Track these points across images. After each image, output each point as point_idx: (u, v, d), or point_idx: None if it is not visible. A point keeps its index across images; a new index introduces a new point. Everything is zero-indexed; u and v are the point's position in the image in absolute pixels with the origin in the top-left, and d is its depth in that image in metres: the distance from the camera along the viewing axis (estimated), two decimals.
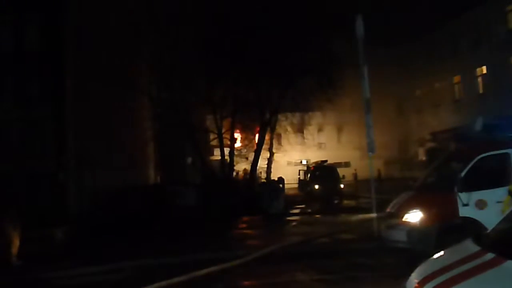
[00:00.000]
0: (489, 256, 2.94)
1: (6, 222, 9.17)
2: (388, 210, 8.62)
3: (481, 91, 26.53)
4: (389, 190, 15.71)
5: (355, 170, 30.71)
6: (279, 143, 26.11)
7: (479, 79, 26.78)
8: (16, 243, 9.28)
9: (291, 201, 20.91)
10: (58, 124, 12.89)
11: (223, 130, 20.39)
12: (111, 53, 15.31)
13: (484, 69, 26.15)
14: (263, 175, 24.70)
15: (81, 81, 13.74)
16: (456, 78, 29.30)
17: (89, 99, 14.06)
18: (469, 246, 3.34)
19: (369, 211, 10.97)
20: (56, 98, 13.12)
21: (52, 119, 13.34)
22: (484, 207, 7.17)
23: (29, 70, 13.10)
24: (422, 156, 31.06)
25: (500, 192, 7.16)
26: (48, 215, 11.09)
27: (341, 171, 24.28)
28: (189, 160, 21.36)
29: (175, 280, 7.47)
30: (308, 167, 26.84)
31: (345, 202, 21.34)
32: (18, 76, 13.32)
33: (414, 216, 7.66)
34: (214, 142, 21.57)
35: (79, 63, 13.93)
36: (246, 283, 7.95)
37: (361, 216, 14.30)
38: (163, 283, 7.30)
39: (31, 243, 9.82)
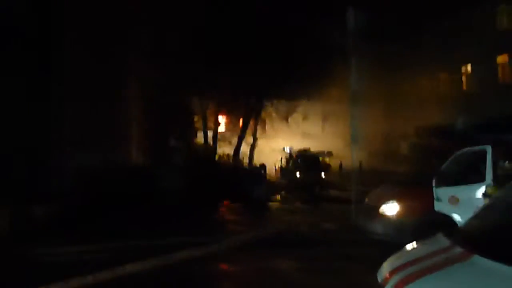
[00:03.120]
0: (458, 250, 3.10)
1: None
2: (366, 201, 8.88)
3: (466, 89, 27.02)
4: (370, 181, 16.03)
5: (340, 161, 31.01)
6: (264, 130, 26.22)
7: (464, 78, 27.26)
8: None
9: (273, 188, 21.04)
10: (40, 100, 12.73)
11: (208, 113, 20.37)
12: (98, 31, 15.09)
13: (469, 67, 26.61)
14: (246, 161, 24.80)
15: (65, 56, 13.54)
16: (443, 75, 29.74)
17: (73, 75, 13.86)
18: (440, 240, 3.52)
19: (349, 201, 11.20)
20: (40, 72, 12.92)
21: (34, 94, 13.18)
22: (456, 203, 7.42)
23: (15, 43, 12.87)
24: (404, 150, 31.53)
25: (473, 189, 7.38)
26: (28, 192, 11.00)
27: (323, 160, 24.61)
28: (173, 142, 21.29)
29: (154, 262, 7.58)
30: (291, 154, 27.07)
31: (327, 191, 21.60)
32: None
33: (391, 208, 7.89)
34: (198, 125, 21.55)
35: (64, 37, 13.70)
36: (225, 268, 8.10)
37: (342, 206, 14.53)
38: (141, 264, 7.40)
39: (9, 220, 9.77)
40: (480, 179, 7.38)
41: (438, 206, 7.54)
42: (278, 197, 19.68)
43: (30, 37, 12.37)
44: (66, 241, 8.97)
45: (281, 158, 29.21)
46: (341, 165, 30.23)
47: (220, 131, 23.32)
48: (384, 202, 8.09)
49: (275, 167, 29.99)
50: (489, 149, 7.46)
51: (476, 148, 7.69)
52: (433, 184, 7.63)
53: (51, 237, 9.37)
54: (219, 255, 8.53)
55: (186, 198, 15.14)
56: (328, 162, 25.17)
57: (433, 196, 7.60)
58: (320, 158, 25.88)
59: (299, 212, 15.65)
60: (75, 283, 6.46)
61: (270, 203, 17.41)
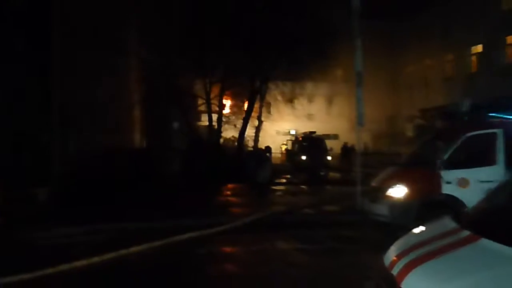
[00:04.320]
0: (465, 233, 3.06)
1: None
2: (372, 184, 8.81)
3: (473, 70, 26.64)
4: (376, 164, 15.97)
5: (348, 143, 30.99)
6: (268, 112, 26.10)
7: (473, 58, 26.84)
8: None
9: (278, 170, 21.07)
10: (42, 84, 12.63)
11: (212, 96, 20.25)
12: (99, 11, 14.90)
13: (479, 48, 26.17)
14: (251, 144, 24.77)
15: (67, 39, 13.39)
16: (449, 56, 29.32)
17: (75, 59, 13.73)
18: (447, 223, 3.46)
19: (354, 184, 11.16)
20: (41, 56, 12.80)
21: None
22: (466, 185, 7.36)
23: (14, 25, 12.71)
24: (410, 132, 31.40)
25: (484, 172, 7.33)
26: (30, 176, 11.00)
27: (329, 143, 24.55)
28: (176, 125, 21.23)
29: (156, 243, 7.61)
30: (296, 137, 27.03)
31: (332, 174, 21.60)
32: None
33: (397, 191, 7.85)
34: (202, 108, 21.45)
35: (65, 20, 13.53)
36: (227, 249, 8.12)
37: (346, 189, 14.49)
38: (144, 246, 7.43)
39: (11, 203, 9.80)
40: (491, 162, 7.33)
41: (446, 189, 7.49)
42: (283, 179, 19.64)
43: (25, 15, 12.17)
44: (68, 223, 8.99)
45: (286, 141, 29.18)
46: (350, 148, 30.23)
47: (225, 112, 23.20)
48: (390, 185, 8.06)
49: (281, 149, 30.01)
50: (500, 132, 7.42)
51: (487, 130, 7.62)
52: (441, 167, 7.54)
53: (53, 220, 9.41)
54: (220, 237, 8.53)
55: (189, 181, 15.16)
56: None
57: (439, 179, 7.52)
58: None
59: (303, 194, 15.69)
60: (80, 264, 6.51)
61: (275, 186, 17.41)
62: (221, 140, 22.27)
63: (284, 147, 29.91)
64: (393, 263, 3.03)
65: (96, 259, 6.70)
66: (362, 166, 11.77)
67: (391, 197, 7.90)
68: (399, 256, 3.07)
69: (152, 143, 20.87)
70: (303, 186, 17.91)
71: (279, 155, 28.79)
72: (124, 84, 19.51)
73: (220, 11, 17.95)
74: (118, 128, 17.49)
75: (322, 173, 21.43)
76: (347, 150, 24.27)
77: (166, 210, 10.60)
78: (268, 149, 19.73)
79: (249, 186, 16.49)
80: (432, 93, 29.19)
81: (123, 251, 7.11)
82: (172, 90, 18.84)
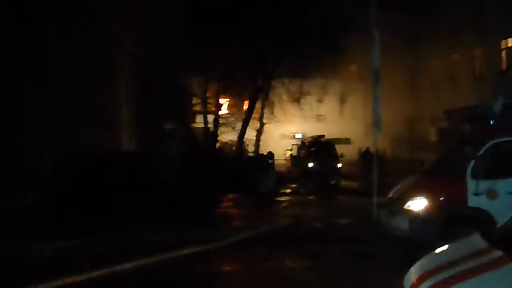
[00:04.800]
0: (497, 253, 3.03)
1: None
2: (390, 195, 8.77)
3: (504, 67, 26.61)
4: (394, 172, 15.95)
5: (364, 148, 30.95)
6: (272, 113, 26.11)
7: (503, 53, 26.80)
8: None
9: (282, 179, 21.11)
10: (12, 81, 12.62)
11: (208, 95, 20.29)
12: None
13: (510, 41, 26.15)
14: (251, 148, 24.77)
15: (43, 29, 13.41)
16: (477, 51, 29.29)
17: (54, 51, 13.77)
18: (476, 241, 3.44)
19: (369, 194, 11.14)
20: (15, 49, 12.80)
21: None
22: (495, 197, 7.30)
23: None
24: (433, 137, 31.34)
25: None
26: (2, 183, 10.99)
27: (340, 148, 24.49)
28: (168, 126, 21.28)
29: (155, 258, 7.67)
30: (303, 141, 26.96)
31: (344, 183, 21.58)
32: None
33: (418, 203, 7.79)
34: (197, 108, 21.49)
35: (41, 7, 13.55)
36: (229, 267, 8.10)
37: (360, 200, 14.48)
38: (142, 261, 7.46)
39: None
40: None
41: (473, 201, 7.43)
42: (288, 189, 19.68)
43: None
44: (50, 236, 9.02)
45: (292, 146, 29.13)
46: (364, 153, 30.08)
47: (223, 113, 23.24)
48: (410, 196, 8.00)
49: (285, 155, 29.97)
50: None
51: None
52: (468, 176, 7.50)
53: (31, 232, 9.41)
54: (221, 253, 8.53)
55: (184, 189, 15.15)
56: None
57: (465, 190, 7.48)
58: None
59: (311, 205, 15.67)
60: (67, 280, 6.57)
61: (279, 196, 17.39)
62: (218, 144, 22.28)
63: (289, 153, 29.85)
64: (414, 286, 3.01)
65: (85, 276, 6.73)
66: (380, 174, 11.71)
67: (411, 210, 7.84)
68: (422, 278, 3.05)
69: (143, 146, 20.92)
70: (310, 197, 17.87)
71: (284, 162, 28.72)
72: (112, 81, 19.59)
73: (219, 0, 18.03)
74: (104, 129, 17.53)
75: (332, 182, 21.38)
76: (367, 156, 24.11)
77: (159, 222, 10.59)
78: (271, 154, 19.78)
79: (251, 196, 16.52)
80: (458, 92, 29.12)
81: (116, 267, 7.16)
82: (165, 87, 18.87)
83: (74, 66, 14.53)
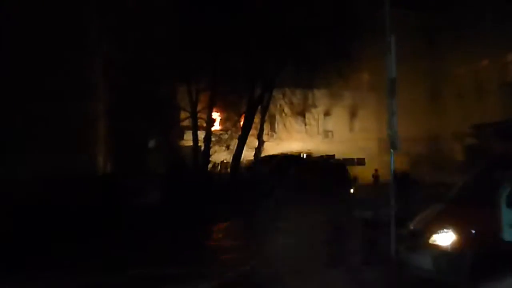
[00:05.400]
0: None
1: None
2: (411, 227, 8.73)
3: None
4: (415, 198, 15.84)
5: (376, 170, 30.88)
6: (272, 129, 26.06)
7: None
8: None
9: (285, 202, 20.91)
10: None
11: (199, 108, 20.26)
12: None
13: None
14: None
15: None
16: (510, 56, 29.42)
17: (17, 59, 13.73)
18: None
19: (386, 225, 11.03)
20: None
21: None
22: None
23: None
24: (459, 156, 31.32)
25: None
26: None
27: (352, 170, 24.39)
28: (152, 144, 21.21)
29: None
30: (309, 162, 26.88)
31: (357, 212, 21.41)
32: None
33: (445, 238, 7.73)
34: (186, 123, 21.45)
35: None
36: None
37: (375, 232, 14.26)
38: None
39: None
40: None
41: (509, 235, 7.33)
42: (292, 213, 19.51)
43: None
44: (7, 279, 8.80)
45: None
46: (377, 176, 29.98)
47: (216, 129, 23.21)
48: (435, 228, 7.95)
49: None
50: None
51: None
52: (503, 205, 7.41)
53: None
54: None
55: (169, 217, 15.08)
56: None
57: (500, 221, 7.39)
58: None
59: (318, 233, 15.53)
60: None
61: (281, 223, 17.27)
62: (210, 165, 22.20)
63: None
64: None
65: None
66: (398, 201, 11.62)
67: (437, 245, 7.79)
68: None
69: (120, 168, 20.82)
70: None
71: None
72: (84, 92, 19.54)
73: None
74: (75, 148, 17.46)
75: (343, 209, 21.26)
76: (404, 181, 23.87)
77: (138, 256, 10.57)
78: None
79: (248, 224, 16.38)
80: (487, 104, 29.17)
81: None
82: (146, 98, 18.84)
83: (40, 76, 14.48)
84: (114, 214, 14.51)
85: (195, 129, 20.43)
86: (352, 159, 29.06)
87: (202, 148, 20.81)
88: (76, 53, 18.04)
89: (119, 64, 19.04)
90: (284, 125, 24.87)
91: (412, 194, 11.48)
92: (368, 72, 32.51)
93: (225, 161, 24.32)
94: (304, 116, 25.10)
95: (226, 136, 23.00)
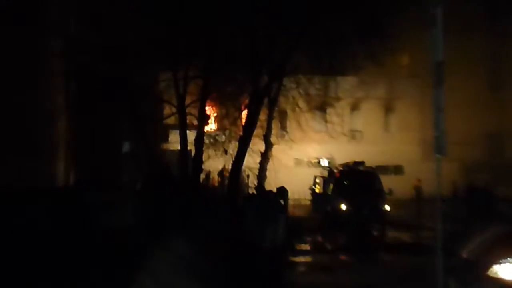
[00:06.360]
0: None
1: None
2: (464, 254, 8.88)
3: None
4: (466, 217, 15.74)
5: (419, 180, 30.78)
6: (283, 128, 25.99)
7: None
8: None
9: (299, 228, 21.10)
10: None
11: (188, 101, 20.19)
12: None
13: None
14: (253, 182, 24.60)
15: None
16: None
17: None
18: None
19: (432, 253, 10.97)
20: None
21: None
22: None
23: None
24: None
25: None
26: None
27: (388, 181, 24.31)
28: (126, 147, 21.16)
29: None
30: (331, 171, 26.85)
31: (393, 234, 21.32)
32: None
33: (507, 268, 7.80)
34: (171, 120, 21.39)
35: None
36: None
37: (418, 260, 14.39)
38: None
39: None
40: None
41: None
42: (308, 244, 19.69)
43: None
44: None
45: (314, 178, 28.99)
46: (418, 188, 29.85)
47: (210, 129, 23.15)
48: (494, 257, 8.00)
49: (305, 192, 29.80)
50: None
51: None
52: None
53: None
54: None
55: (146, 244, 14.92)
56: None
57: None
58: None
59: (344, 270, 15.66)
60: None
61: (294, 256, 17.46)
62: (203, 175, 22.12)
63: (308, 188, 29.72)
64: None
65: None
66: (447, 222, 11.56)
67: (497, 278, 7.83)
68: None
69: (85, 178, 20.79)
70: (342, 256, 17.91)
71: (302, 202, 28.55)
72: (38, 81, 19.53)
73: None
74: (26, 155, 17.43)
75: (375, 233, 21.21)
76: (478, 194, 23.55)
77: None
78: (282, 191, 19.62)
79: (250, 255, 16.29)
80: None
81: None
82: (120, 88, 18.80)
83: None
84: (77, 237, 14.44)
85: (183, 128, 20.26)
86: (387, 167, 29.03)
87: (192, 153, 20.67)
88: (37, 36, 18.08)
89: (83, 43, 18.97)
90: (299, 123, 24.77)
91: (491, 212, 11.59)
92: (409, 54, 32.42)
93: (222, 170, 24.27)
94: (324, 112, 24.98)
95: (223, 138, 22.91)
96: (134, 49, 18.78)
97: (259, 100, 21.10)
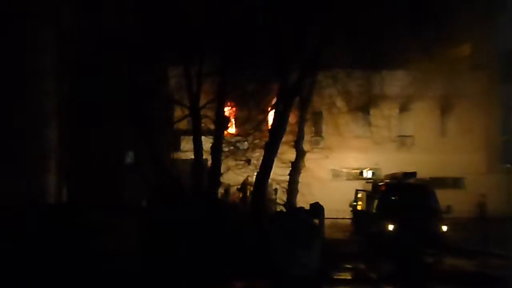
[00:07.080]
0: None
1: None
2: None
3: None
4: None
5: (483, 195, 30.51)
6: (318, 133, 25.93)
7: None
8: None
9: (337, 253, 21.02)
10: None
11: (203, 101, 20.23)
12: None
13: None
14: (281, 197, 24.57)
15: None
16: None
17: None
18: None
19: (501, 286, 10.91)
20: None
21: None
22: None
23: None
24: None
25: None
26: None
27: (445, 196, 24.13)
28: (130, 158, 21.26)
29: None
30: (375, 185, 26.71)
31: (451, 262, 21.24)
32: None
33: None
34: (183, 125, 21.43)
35: None
36: None
37: None
38: None
39: None
40: None
41: None
42: (348, 272, 19.59)
43: None
44: None
45: (356, 193, 28.89)
46: (482, 204, 29.49)
47: (229, 134, 23.17)
48: None
49: (344, 210, 29.70)
50: None
51: None
52: None
53: None
54: None
55: (156, 271, 15.00)
56: None
57: None
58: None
59: None
60: None
61: (329, 285, 17.35)
62: (221, 190, 22.13)
63: (348, 205, 29.62)
64: None
65: None
66: None
67: None
68: None
69: (81, 195, 20.90)
70: (389, 286, 17.82)
71: (341, 221, 28.44)
72: (27, 82, 19.69)
73: None
74: (13, 168, 17.56)
75: (430, 260, 21.02)
76: None
77: None
78: (316, 209, 19.57)
79: (277, 283, 16.25)
80: None
81: None
82: (120, 88, 18.89)
83: None
84: (72, 262, 14.58)
85: (197, 134, 20.32)
86: (445, 179, 28.79)
87: (209, 163, 20.68)
88: (27, 30, 18.24)
89: (79, 36, 19.12)
90: (336, 126, 24.72)
91: None
92: (470, 44, 32.14)
93: (244, 183, 24.24)
94: (367, 113, 24.90)
95: (245, 145, 22.89)
96: (141, 42, 18.91)
97: (288, 100, 21.11)
